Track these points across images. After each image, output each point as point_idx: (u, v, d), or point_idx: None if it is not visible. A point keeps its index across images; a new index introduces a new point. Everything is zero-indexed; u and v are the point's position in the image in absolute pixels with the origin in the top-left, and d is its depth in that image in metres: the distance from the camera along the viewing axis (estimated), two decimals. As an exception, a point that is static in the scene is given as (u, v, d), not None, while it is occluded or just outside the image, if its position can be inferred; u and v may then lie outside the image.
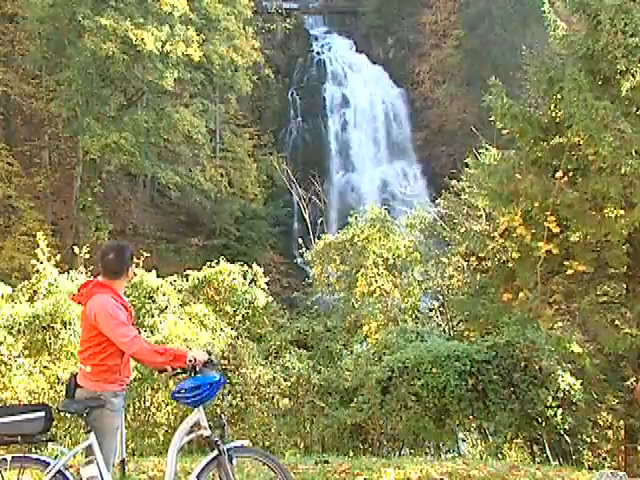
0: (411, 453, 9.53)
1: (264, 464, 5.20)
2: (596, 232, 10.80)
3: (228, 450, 4.86)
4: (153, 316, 11.17)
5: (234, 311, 13.34)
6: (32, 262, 10.86)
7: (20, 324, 9.70)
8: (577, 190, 10.99)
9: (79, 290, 5.06)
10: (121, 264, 4.97)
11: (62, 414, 8.02)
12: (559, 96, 11.05)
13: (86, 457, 4.83)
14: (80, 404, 4.78)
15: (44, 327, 9.79)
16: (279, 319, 15.84)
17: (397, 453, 9.75)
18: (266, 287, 14.37)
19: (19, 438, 4.76)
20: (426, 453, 9.65)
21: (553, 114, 11.42)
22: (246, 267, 14.05)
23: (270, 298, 14.66)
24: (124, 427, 5.22)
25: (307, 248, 17.03)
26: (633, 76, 10.38)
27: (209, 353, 4.95)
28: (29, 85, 34.62)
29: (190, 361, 4.73)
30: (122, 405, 4.99)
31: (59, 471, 4.72)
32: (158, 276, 12.55)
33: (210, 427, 4.90)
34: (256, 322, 13.94)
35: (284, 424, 10.37)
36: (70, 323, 9.84)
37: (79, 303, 5.06)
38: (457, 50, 43.57)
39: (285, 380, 10.65)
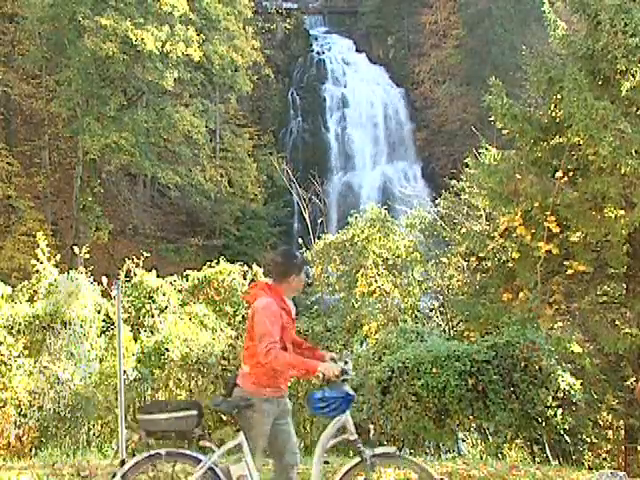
0: (411, 453, 9.50)
1: (411, 471, 5.16)
2: (596, 232, 10.80)
3: (372, 457, 4.85)
4: (153, 316, 11.19)
5: (234, 311, 13.34)
6: (32, 262, 10.88)
7: (20, 324, 9.72)
8: (577, 190, 10.99)
9: (249, 289, 5.12)
10: (285, 268, 5.00)
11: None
12: (559, 96, 11.05)
13: (235, 455, 4.87)
14: (230, 404, 4.85)
15: (44, 327, 9.80)
16: (279, 319, 15.79)
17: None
18: (266, 287, 14.35)
19: (173, 434, 4.86)
20: (426, 453, 9.62)
21: (553, 114, 11.42)
22: (246, 267, 14.05)
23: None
24: (292, 431, 5.11)
25: (307, 248, 16.98)
26: (633, 76, 10.39)
27: (345, 362, 4.92)
28: (29, 85, 34.62)
29: (317, 376, 4.75)
30: (280, 410, 4.94)
31: (210, 468, 4.78)
32: (158, 276, 12.59)
33: (357, 432, 4.89)
34: (256, 322, 13.91)
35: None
36: (70, 323, 9.84)
37: (248, 303, 5.14)
38: (457, 50, 43.58)
39: (285, 380, 10.62)
